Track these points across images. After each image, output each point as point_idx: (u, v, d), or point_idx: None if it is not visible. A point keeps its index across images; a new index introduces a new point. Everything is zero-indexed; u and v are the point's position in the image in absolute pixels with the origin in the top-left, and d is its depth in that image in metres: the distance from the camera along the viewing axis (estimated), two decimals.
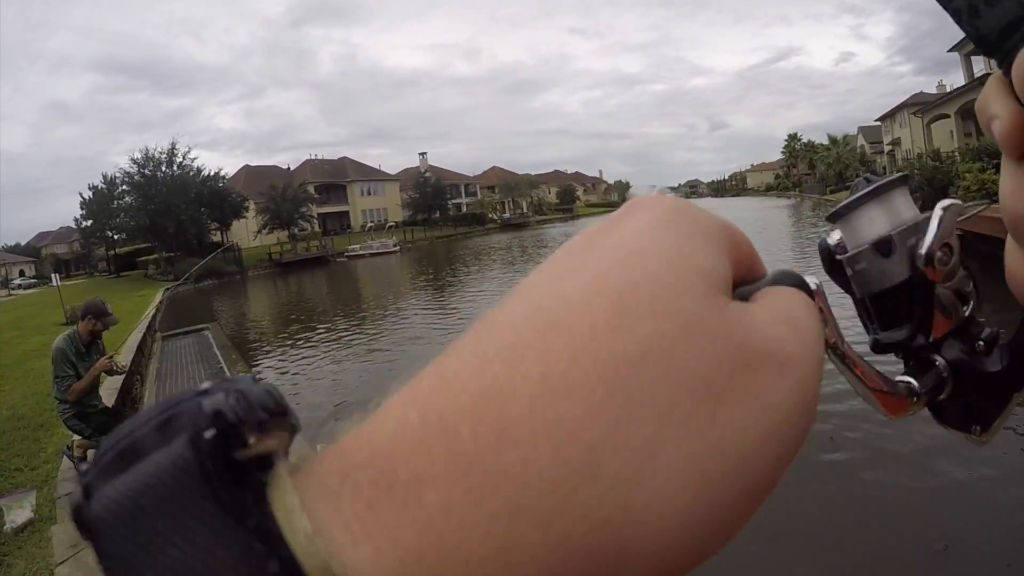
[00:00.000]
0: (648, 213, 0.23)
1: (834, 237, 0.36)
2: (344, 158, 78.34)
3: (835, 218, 0.36)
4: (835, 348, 0.28)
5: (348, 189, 72.98)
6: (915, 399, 0.32)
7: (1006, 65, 0.28)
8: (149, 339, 13.78)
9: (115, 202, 47.38)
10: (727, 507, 0.18)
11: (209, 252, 43.38)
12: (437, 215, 73.23)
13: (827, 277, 0.34)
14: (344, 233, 65.41)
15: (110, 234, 51.50)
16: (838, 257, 0.36)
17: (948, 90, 39.04)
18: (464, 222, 73.84)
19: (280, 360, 11.72)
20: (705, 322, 0.19)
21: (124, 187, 46.37)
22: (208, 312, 21.24)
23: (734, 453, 0.18)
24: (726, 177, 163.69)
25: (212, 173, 49.25)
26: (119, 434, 0.16)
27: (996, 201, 0.30)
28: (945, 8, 0.29)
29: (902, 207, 0.34)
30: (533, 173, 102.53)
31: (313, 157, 76.77)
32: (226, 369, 10.92)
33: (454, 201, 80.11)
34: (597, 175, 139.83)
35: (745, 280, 0.25)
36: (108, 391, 6.35)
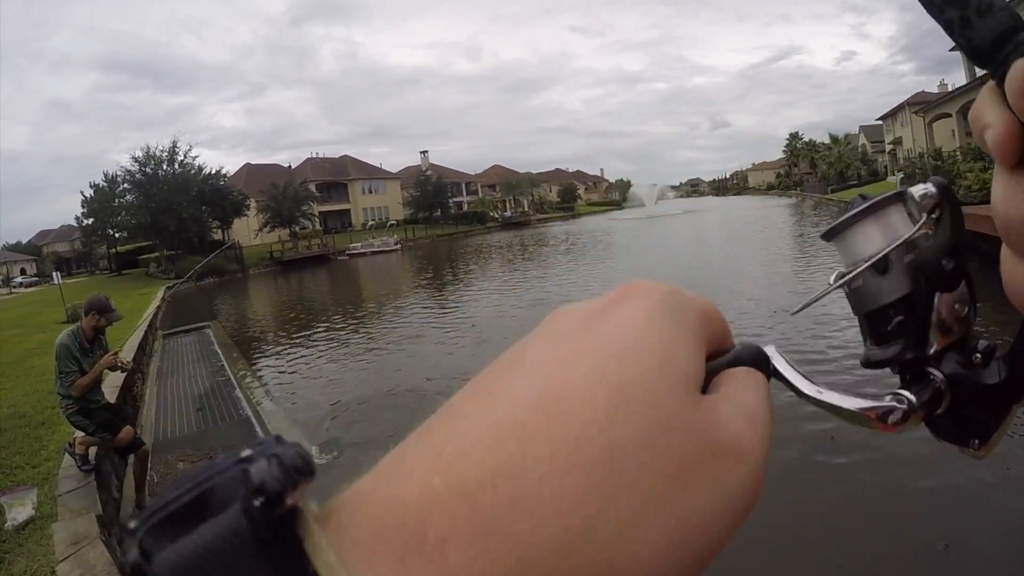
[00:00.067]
0: (643, 304, 0.26)
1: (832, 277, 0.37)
2: (345, 156, 78.39)
3: (830, 236, 0.37)
4: (800, 394, 0.31)
5: (349, 187, 73.01)
6: (912, 413, 0.32)
7: (999, 76, 0.28)
8: (150, 337, 13.79)
9: (116, 200, 47.38)
10: (688, 564, 0.22)
11: (210, 250, 43.43)
12: (438, 213, 73.18)
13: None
14: (345, 231, 65.41)
15: (111, 232, 51.51)
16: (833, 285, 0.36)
17: (950, 89, 38.99)
18: (465, 220, 73.82)
19: (280, 358, 11.72)
20: (683, 419, 0.23)
21: (125, 185, 46.39)
22: (209, 310, 21.27)
23: (697, 524, 0.22)
24: (727, 176, 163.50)
25: (213, 171, 49.24)
26: (166, 497, 0.18)
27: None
28: (937, 21, 0.30)
29: (898, 224, 0.34)
30: (534, 171, 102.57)
31: (314, 155, 76.84)
32: (227, 367, 10.93)
33: (455, 199, 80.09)
34: (598, 173, 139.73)
35: (717, 352, 0.29)
36: (109, 389, 6.36)
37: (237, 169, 69.29)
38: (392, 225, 66.46)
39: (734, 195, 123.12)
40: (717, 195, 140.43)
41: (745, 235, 27.87)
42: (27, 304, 29.78)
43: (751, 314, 10.29)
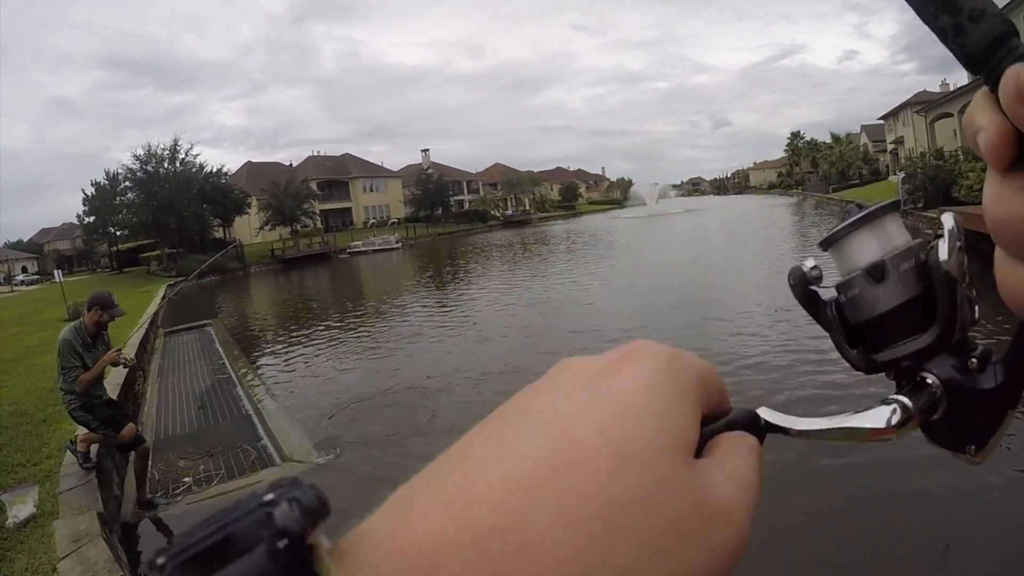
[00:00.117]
0: (646, 367, 0.28)
1: (807, 264, 0.37)
2: (346, 155, 78.37)
3: (827, 245, 0.37)
4: (798, 434, 0.32)
5: (350, 186, 73.00)
6: (908, 419, 0.32)
7: (992, 81, 0.28)
8: (151, 335, 13.80)
9: (118, 198, 47.38)
10: None
11: (211, 248, 43.44)
12: (439, 212, 73.16)
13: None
14: (346, 229, 65.39)
15: (112, 230, 51.51)
16: (812, 288, 0.37)
17: (951, 89, 38.91)
18: (466, 219, 73.79)
19: (281, 356, 11.72)
20: (678, 481, 0.25)
21: (127, 183, 46.38)
22: (210, 308, 21.28)
23: None
24: (729, 175, 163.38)
25: (215, 169, 49.21)
26: (193, 536, 0.19)
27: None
28: (931, 28, 0.30)
29: (894, 232, 0.34)
30: (535, 170, 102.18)
31: (315, 154, 76.85)
32: (228, 365, 10.95)
33: (456, 198, 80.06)
34: (600, 172, 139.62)
35: (713, 414, 0.30)
36: (111, 386, 6.36)
37: (238, 167, 69.28)
38: (393, 223, 66.38)
39: (735, 194, 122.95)
40: (718, 194, 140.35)
41: (746, 234, 27.82)
42: (28, 302, 29.81)
43: (752, 313, 10.29)
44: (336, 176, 72.21)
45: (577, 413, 0.26)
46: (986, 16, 0.28)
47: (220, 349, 12.73)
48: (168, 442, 7.09)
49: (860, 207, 0.35)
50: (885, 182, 47.59)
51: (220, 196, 48.40)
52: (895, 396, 0.33)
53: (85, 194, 48.69)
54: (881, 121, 59.69)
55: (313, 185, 61.85)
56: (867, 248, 0.35)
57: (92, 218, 50.02)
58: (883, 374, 0.36)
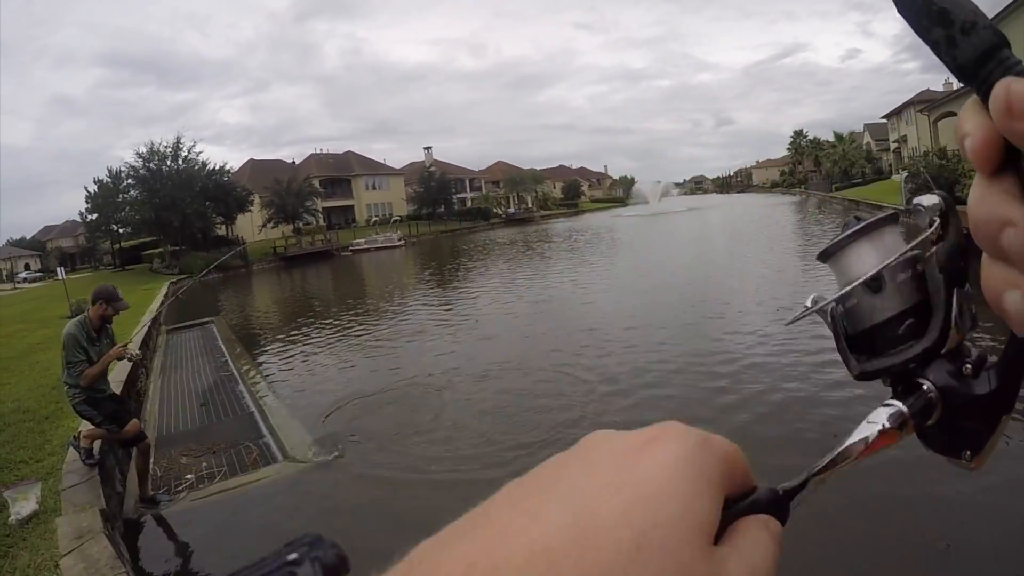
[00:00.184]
0: (672, 452, 0.28)
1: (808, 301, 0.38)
2: (349, 152, 78.29)
3: (825, 257, 0.37)
4: (816, 475, 0.33)
5: (353, 183, 72.95)
6: (904, 425, 0.32)
7: (983, 92, 0.29)
8: (154, 332, 13.81)
9: (120, 196, 47.41)
10: None
11: (214, 246, 43.44)
12: (442, 210, 73.09)
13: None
14: (349, 227, 65.32)
15: (115, 228, 51.57)
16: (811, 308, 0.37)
17: (955, 88, 38.80)
18: (469, 217, 73.75)
19: (284, 354, 11.73)
20: (694, 569, 0.25)
21: (129, 181, 46.39)
22: (213, 305, 21.29)
23: None
24: (731, 173, 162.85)
25: (217, 167, 49.14)
26: None
27: None
28: (924, 40, 0.30)
29: (892, 244, 0.35)
30: (538, 168, 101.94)
31: (318, 151, 76.81)
32: (230, 362, 10.96)
33: (459, 196, 79.95)
34: (602, 170, 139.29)
35: (736, 495, 0.31)
36: (113, 383, 6.37)
37: (241, 165, 69.19)
38: (396, 221, 66.32)
39: (738, 192, 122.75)
40: (721, 192, 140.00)
41: (749, 233, 27.80)
42: (31, 299, 29.87)
43: (754, 313, 10.28)
44: (338, 174, 72.17)
45: (603, 491, 0.26)
46: (977, 28, 0.29)
47: (222, 346, 12.75)
48: (170, 439, 7.11)
49: (858, 220, 0.35)
50: (888, 181, 47.47)
51: (223, 193, 48.36)
52: (890, 401, 0.33)
53: (88, 192, 48.80)
54: (884, 120, 59.55)
55: (315, 183, 61.80)
56: (865, 260, 0.35)
57: (95, 215, 50.09)
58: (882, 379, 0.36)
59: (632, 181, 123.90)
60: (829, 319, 0.38)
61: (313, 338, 13.02)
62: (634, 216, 57.85)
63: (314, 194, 58.20)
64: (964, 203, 0.30)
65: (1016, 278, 0.29)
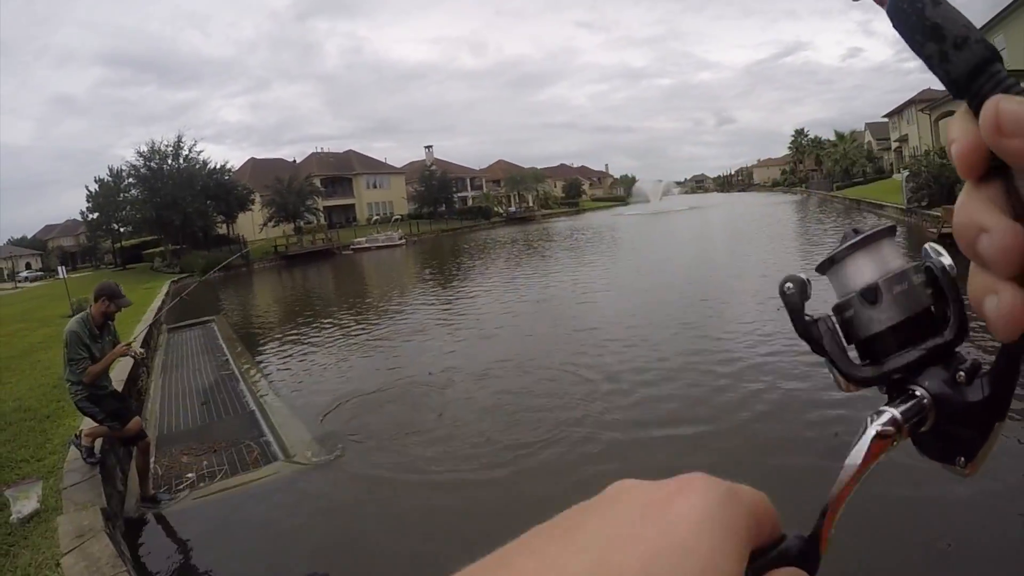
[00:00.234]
0: (698, 505, 0.28)
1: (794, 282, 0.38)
2: (350, 151, 78.28)
3: (824, 268, 0.38)
4: (833, 513, 0.33)
5: (354, 182, 72.94)
6: (898, 431, 0.33)
7: (976, 105, 0.29)
8: (155, 331, 13.82)
9: (121, 195, 47.51)
10: None
11: (215, 245, 43.43)
12: (442, 208, 73.07)
13: None
14: (350, 226, 65.28)
15: (116, 227, 51.67)
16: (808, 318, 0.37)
17: None
18: (469, 216, 73.73)
19: (285, 352, 11.74)
20: None
21: (130, 180, 46.49)
22: (214, 304, 21.30)
23: None
24: (732, 172, 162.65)
25: (218, 166, 49.21)
26: None
27: None
28: (918, 55, 0.31)
29: (889, 256, 0.36)
30: (539, 167, 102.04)
31: (319, 150, 76.86)
32: (231, 361, 10.97)
33: (460, 194, 79.91)
34: (603, 169, 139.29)
35: (764, 547, 0.30)
36: (114, 381, 6.38)
37: (242, 164, 69.21)
38: (396, 220, 66.31)
39: (739, 191, 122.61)
40: (722, 191, 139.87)
41: (750, 232, 27.78)
42: (32, 298, 29.91)
43: (755, 312, 10.27)
44: (339, 172, 72.16)
45: (624, 543, 0.26)
46: (969, 43, 0.29)
47: (223, 345, 12.76)
48: (171, 438, 7.11)
49: (856, 232, 0.36)
50: (889, 180, 47.41)
51: (224, 192, 48.40)
52: (884, 408, 0.34)
53: (89, 191, 48.90)
54: (885, 119, 59.43)
55: (316, 181, 61.81)
56: (862, 272, 0.36)
57: (96, 215, 50.20)
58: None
59: (633, 180, 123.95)
60: (825, 330, 0.38)
61: (314, 337, 13.03)
62: (635, 215, 57.83)
63: (315, 193, 58.21)
64: None
65: (994, 284, 0.29)
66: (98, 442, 5.35)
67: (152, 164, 45.30)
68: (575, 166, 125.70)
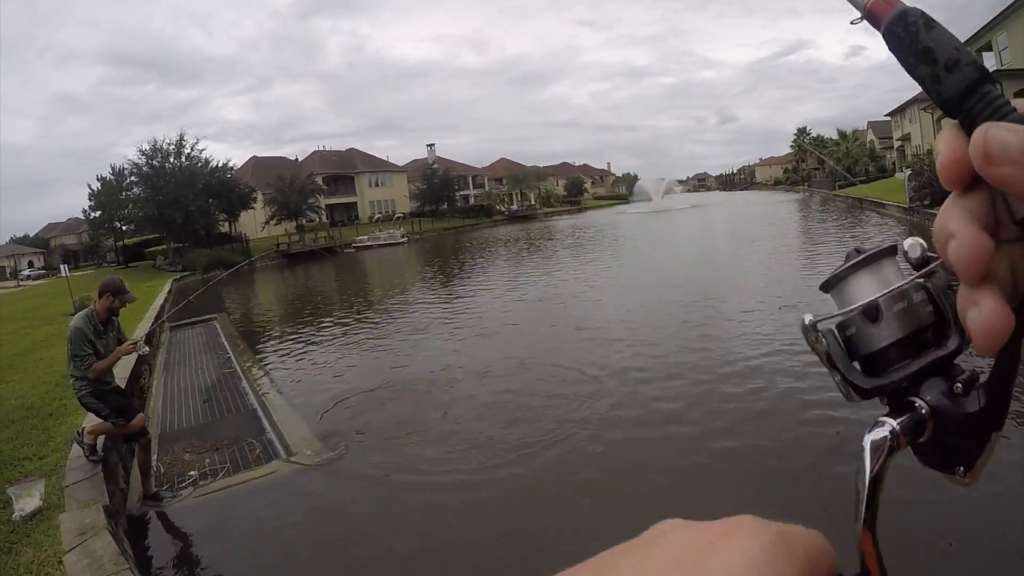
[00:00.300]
0: (746, 551, 0.26)
1: (807, 318, 0.38)
2: (352, 149, 78.31)
3: (827, 287, 0.39)
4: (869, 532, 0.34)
5: (356, 180, 72.97)
6: (896, 443, 0.34)
7: (967, 125, 0.30)
8: (158, 329, 13.83)
9: (123, 193, 47.47)
10: None
11: (217, 243, 43.43)
12: (445, 207, 73.03)
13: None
14: (352, 224, 65.29)
15: (118, 225, 51.63)
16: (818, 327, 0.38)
17: None
18: (472, 214, 73.69)
19: (287, 350, 11.75)
20: None
21: (132, 178, 46.41)
22: (216, 302, 21.31)
23: None
24: (735, 171, 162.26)
25: (220, 164, 49.12)
26: None
27: None
28: (912, 76, 0.32)
29: (891, 275, 0.36)
30: (541, 165, 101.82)
31: (321, 148, 76.88)
32: (233, 359, 10.98)
33: (462, 193, 79.90)
34: (605, 167, 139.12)
35: None
36: (117, 379, 6.39)
37: (244, 162, 69.20)
38: (399, 218, 66.36)
39: (741, 190, 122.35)
40: (724, 190, 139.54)
41: (751, 231, 27.73)
42: (35, 296, 29.96)
43: (756, 312, 10.26)
44: (341, 171, 72.17)
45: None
46: (960, 65, 0.30)
47: (226, 343, 12.77)
48: (174, 435, 7.12)
49: (859, 252, 0.37)
50: (892, 179, 47.31)
51: (226, 191, 48.36)
52: (883, 419, 0.34)
53: (91, 189, 48.86)
54: (888, 118, 59.31)
55: (318, 180, 61.82)
56: (863, 290, 0.36)
57: (98, 213, 50.17)
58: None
59: (635, 178, 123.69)
60: (828, 345, 0.38)
61: (315, 335, 13.03)
62: (637, 213, 57.76)
63: (317, 191, 58.22)
64: None
65: (975, 297, 0.30)
66: (100, 439, 5.36)
67: (154, 162, 45.26)
68: (577, 164, 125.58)
